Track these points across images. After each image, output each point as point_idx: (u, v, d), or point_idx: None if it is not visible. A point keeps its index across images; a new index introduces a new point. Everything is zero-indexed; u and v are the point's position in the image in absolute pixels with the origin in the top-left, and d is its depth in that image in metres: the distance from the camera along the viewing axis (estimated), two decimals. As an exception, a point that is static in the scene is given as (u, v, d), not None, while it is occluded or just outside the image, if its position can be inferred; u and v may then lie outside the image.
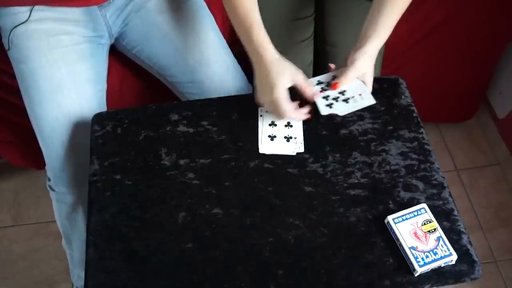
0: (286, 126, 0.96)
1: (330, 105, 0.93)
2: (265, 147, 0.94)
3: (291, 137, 0.94)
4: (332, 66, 0.99)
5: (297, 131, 0.96)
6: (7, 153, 1.48)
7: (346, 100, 0.94)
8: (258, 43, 0.92)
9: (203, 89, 1.16)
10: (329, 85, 0.95)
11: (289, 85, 0.91)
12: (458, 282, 0.81)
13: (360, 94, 0.94)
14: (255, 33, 0.92)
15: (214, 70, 1.15)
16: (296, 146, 0.94)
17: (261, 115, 0.97)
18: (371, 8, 0.96)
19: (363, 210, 0.87)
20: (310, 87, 0.93)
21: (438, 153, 0.98)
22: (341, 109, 0.94)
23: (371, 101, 0.94)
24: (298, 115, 0.93)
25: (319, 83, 0.96)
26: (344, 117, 0.97)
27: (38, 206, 1.63)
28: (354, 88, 0.94)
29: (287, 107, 0.90)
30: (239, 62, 1.20)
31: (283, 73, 0.90)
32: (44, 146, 1.11)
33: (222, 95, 1.11)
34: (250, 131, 0.96)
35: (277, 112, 0.92)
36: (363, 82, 0.94)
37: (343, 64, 0.96)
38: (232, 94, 1.13)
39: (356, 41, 0.95)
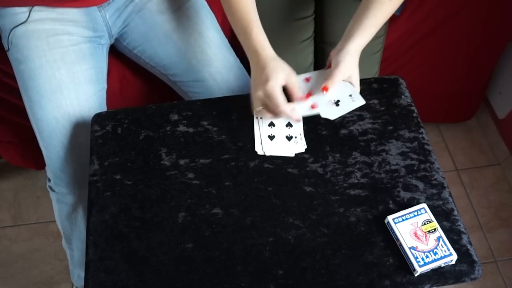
0: (286, 126, 0.96)
1: (312, 108, 0.92)
2: (265, 149, 0.93)
3: (291, 137, 0.94)
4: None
5: (298, 129, 0.95)
6: (7, 153, 1.48)
7: (336, 104, 0.93)
8: (257, 42, 0.92)
9: (206, 88, 1.16)
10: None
11: (283, 82, 0.90)
12: (458, 282, 0.81)
13: (350, 95, 0.92)
14: (254, 33, 0.93)
15: (217, 69, 1.16)
16: (297, 146, 0.93)
17: (256, 117, 0.96)
18: (358, 8, 0.95)
19: (363, 210, 0.87)
20: (300, 91, 0.92)
21: (438, 153, 0.98)
22: (332, 114, 0.92)
23: (361, 101, 0.93)
24: (290, 109, 0.91)
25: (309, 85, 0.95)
26: (344, 117, 0.96)
27: (38, 206, 1.63)
28: (343, 91, 0.93)
29: (280, 99, 0.89)
30: (241, 60, 1.20)
31: (278, 69, 0.90)
32: (44, 146, 1.11)
33: (225, 94, 1.11)
34: (250, 131, 0.96)
35: (269, 106, 0.91)
36: (350, 83, 0.93)
37: (327, 64, 0.95)
38: (235, 93, 1.13)
39: (340, 40, 0.94)
